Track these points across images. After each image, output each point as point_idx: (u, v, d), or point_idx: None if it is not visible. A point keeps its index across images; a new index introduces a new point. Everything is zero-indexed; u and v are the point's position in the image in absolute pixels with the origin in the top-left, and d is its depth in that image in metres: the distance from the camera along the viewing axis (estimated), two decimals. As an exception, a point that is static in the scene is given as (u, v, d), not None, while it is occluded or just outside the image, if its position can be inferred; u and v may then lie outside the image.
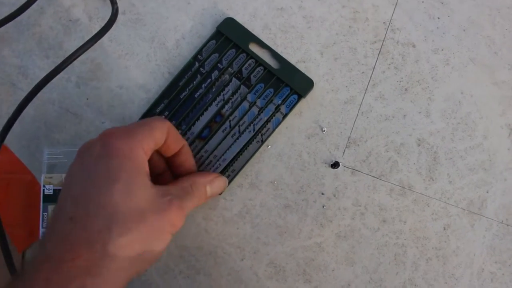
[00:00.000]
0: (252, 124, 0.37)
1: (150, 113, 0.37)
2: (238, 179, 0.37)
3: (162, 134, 0.30)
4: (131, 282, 0.36)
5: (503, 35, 0.38)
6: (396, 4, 0.39)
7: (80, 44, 0.35)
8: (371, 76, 0.38)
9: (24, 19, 0.39)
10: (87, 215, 0.26)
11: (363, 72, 0.38)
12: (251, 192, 0.37)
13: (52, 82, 0.34)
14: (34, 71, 0.39)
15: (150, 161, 0.33)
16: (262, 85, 0.37)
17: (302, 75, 0.37)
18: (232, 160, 0.36)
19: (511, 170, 0.37)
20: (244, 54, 0.37)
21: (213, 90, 0.37)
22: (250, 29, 0.38)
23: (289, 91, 0.37)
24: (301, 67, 0.38)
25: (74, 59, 0.34)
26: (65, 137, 0.38)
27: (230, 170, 0.36)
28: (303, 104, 0.37)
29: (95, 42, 0.35)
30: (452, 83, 0.38)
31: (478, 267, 0.36)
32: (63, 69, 0.34)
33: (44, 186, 0.36)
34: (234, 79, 0.37)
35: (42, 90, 0.34)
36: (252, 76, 0.37)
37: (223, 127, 0.37)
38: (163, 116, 0.37)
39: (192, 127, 0.37)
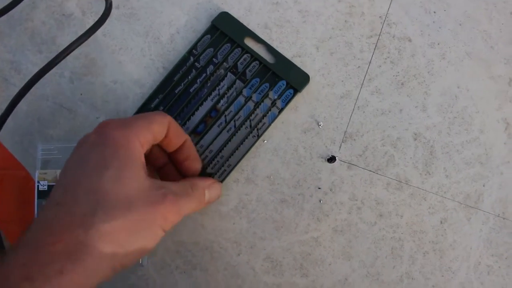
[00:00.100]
0: (248, 119, 0.36)
1: (144, 108, 0.37)
2: (234, 174, 0.37)
3: (162, 128, 0.30)
4: (127, 278, 0.36)
5: (499, 29, 0.38)
6: (392, -2, 0.39)
7: (74, 39, 0.34)
8: (367, 71, 0.38)
9: (16, 14, 0.39)
10: (74, 200, 0.25)
11: (359, 67, 0.38)
12: (247, 187, 0.37)
13: (46, 77, 0.34)
14: (27, 66, 0.38)
15: (149, 154, 0.32)
16: (258, 79, 0.37)
17: (298, 69, 0.37)
18: (228, 155, 0.36)
19: (508, 164, 0.37)
20: (240, 49, 0.37)
21: (208, 85, 0.37)
22: (245, 24, 0.38)
23: (285, 85, 0.37)
24: (297, 61, 0.37)
25: (68, 54, 0.34)
26: (59, 133, 0.38)
27: (226, 165, 0.36)
28: (299, 98, 0.37)
29: (89, 36, 0.35)
30: (448, 77, 0.38)
31: (474, 260, 0.36)
32: (56, 64, 0.34)
33: (38, 182, 0.36)
34: (229, 73, 0.37)
35: (36, 86, 0.33)
36: (247, 70, 0.37)
37: (218, 122, 0.36)
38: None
39: (187, 122, 0.36)
